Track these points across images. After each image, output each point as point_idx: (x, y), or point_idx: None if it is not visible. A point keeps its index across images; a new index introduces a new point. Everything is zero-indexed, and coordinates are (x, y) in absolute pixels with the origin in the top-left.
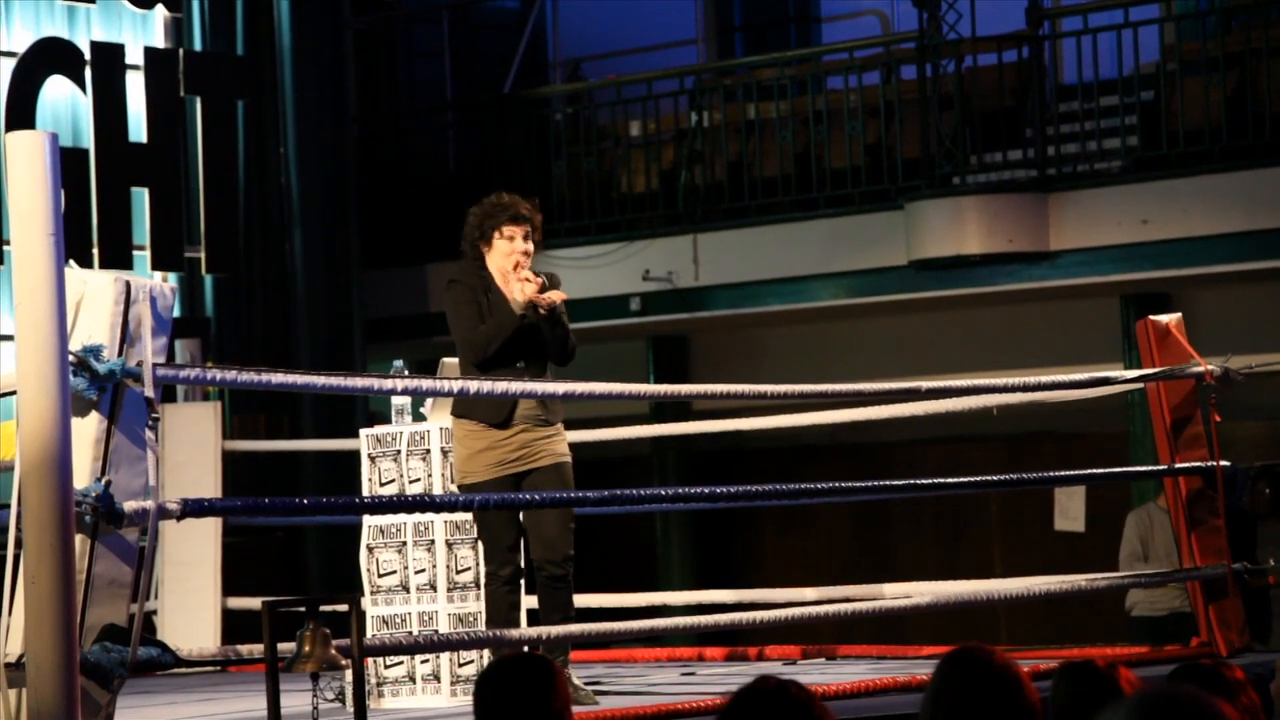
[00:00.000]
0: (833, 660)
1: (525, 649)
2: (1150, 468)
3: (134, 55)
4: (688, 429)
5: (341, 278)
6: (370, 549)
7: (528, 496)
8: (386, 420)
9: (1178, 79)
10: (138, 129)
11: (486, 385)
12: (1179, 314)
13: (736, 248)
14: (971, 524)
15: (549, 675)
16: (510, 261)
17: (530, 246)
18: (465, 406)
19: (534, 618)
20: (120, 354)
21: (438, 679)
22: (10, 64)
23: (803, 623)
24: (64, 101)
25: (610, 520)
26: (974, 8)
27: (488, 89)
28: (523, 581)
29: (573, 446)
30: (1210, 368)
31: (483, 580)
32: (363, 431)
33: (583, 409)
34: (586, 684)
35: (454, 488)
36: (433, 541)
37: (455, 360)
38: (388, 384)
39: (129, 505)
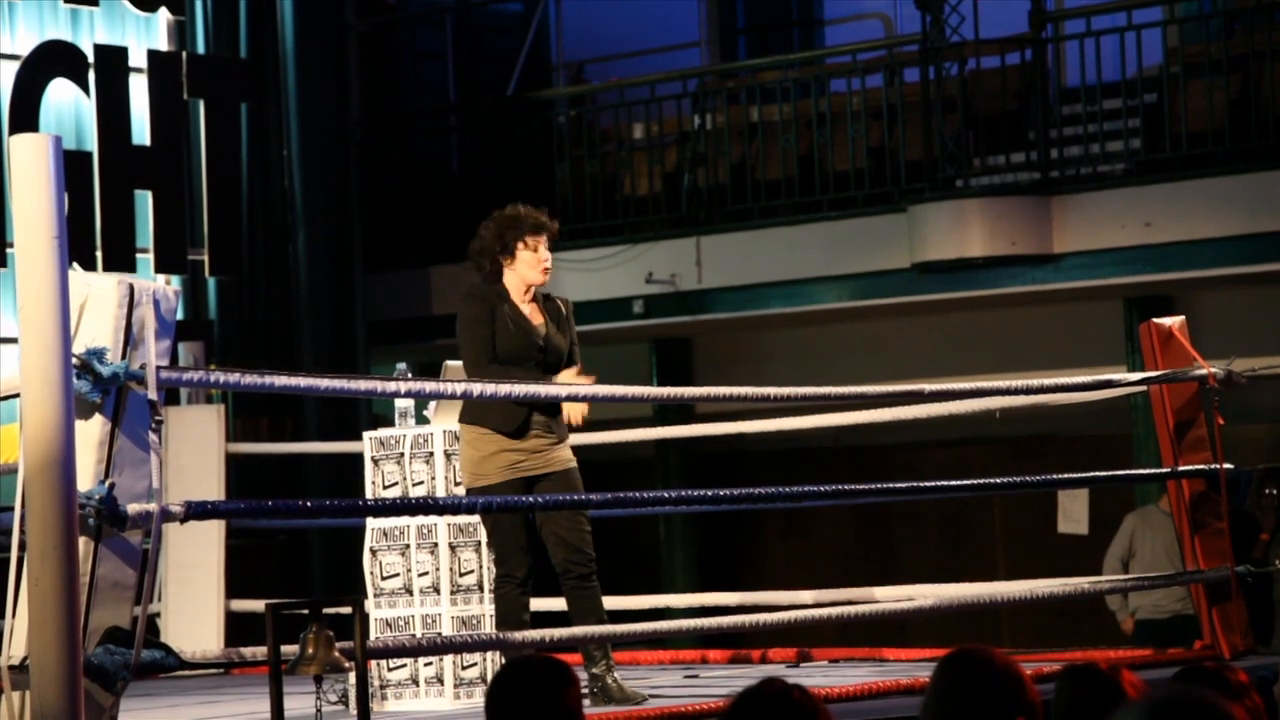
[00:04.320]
0: (835, 663)
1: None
2: (1153, 470)
3: (137, 58)
4: (691, 431)
5: (344, 280)
6: (373, 551)
7: (532, 499)
8: (390, 423)
9: (1181, 82)
10: (141, 132)
11: (489, 388)
12: (1182, 317)
13: (739, 250)
14: (974, 526)
15: (563, 677)
16: (538, 271)
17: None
18: (476, 414)
19: (551, 620)
20: (124, 357)
21: (441, 682)
22: (14, 67)
23: (805, 625)
24: (67, 104)
25: (613, 523)
26: (977, 10)
27: (491, 92)
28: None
29: (576, 449)
30: (1213, 370)
31: (491, 583)
32: (366, 434)
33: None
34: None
35: (457, 490)
36: (436, 544)
37: (458, 363)
38: (391, 387)
39: (132, 508)
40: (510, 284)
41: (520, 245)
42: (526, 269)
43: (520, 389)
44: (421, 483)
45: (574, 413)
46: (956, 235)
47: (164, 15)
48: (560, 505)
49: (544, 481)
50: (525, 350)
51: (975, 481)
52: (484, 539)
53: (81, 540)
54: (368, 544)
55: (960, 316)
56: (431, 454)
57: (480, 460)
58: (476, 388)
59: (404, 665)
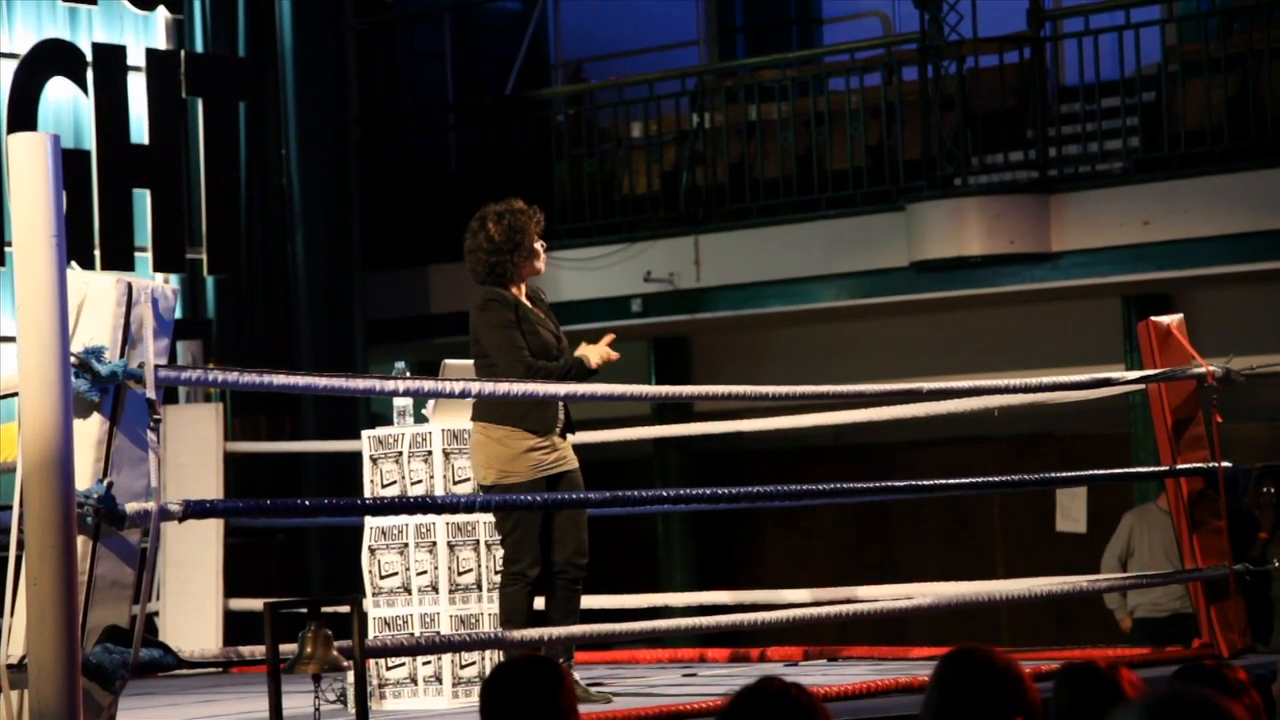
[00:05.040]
0: (834, 661)
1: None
2: (1151, 469)
3: (135, 57)
4: (689, 430)
5: (343, 279)
6: (372, 550)
7: (530, 498)
8: (388, 422)
9: (1179, 80)
10: (139, 130)
11: (489, 386)
12: (1180, 315)
13: (738, 249)
14: (973, 525)
15: (557, 677)
16: (543, 262)
17: None
18: (516, 416)
19: (539, 619)
20: (122, 355)
21: (439, 680)
22: (12, 65)
23: (804, 624)
24: (66, 103)
25: (612, 521)
26: (975, 9)
27: (489, 90)
28: None
29: (575, 448)
30: (1212, 369)
31: (489, 582)
32: (364, 433)
33: (585, 410)
34: (589, 685)
35: (456, 489)
36: (434, 543)
37: (458, 362)
38: (389, 385)
39: (131, 506)
40: (513, 283)
41: (534, 239)
42: (536, 261)
43: (518, 388)
44: (420, 481)
45: (603, 355)
46: (955, 234)
47: (162, 14)
48: (559, 504)
49: (563, 480)
50: (550, 348)
51: (974, 480)
52: (483, 538)
53: (80, 539)
54: (366, 543)
55: (958, 315)
56: (430, 453)
57: (512, 458)
58: (475, 386)
59: (402, 664)
